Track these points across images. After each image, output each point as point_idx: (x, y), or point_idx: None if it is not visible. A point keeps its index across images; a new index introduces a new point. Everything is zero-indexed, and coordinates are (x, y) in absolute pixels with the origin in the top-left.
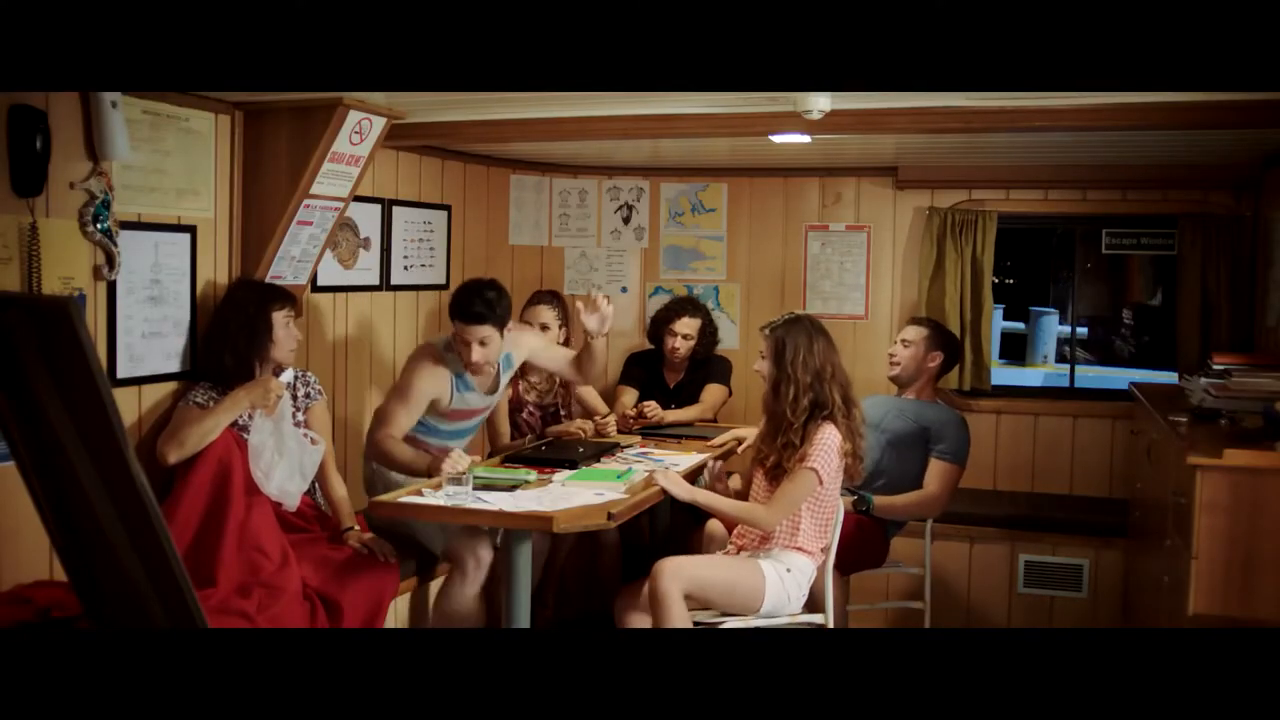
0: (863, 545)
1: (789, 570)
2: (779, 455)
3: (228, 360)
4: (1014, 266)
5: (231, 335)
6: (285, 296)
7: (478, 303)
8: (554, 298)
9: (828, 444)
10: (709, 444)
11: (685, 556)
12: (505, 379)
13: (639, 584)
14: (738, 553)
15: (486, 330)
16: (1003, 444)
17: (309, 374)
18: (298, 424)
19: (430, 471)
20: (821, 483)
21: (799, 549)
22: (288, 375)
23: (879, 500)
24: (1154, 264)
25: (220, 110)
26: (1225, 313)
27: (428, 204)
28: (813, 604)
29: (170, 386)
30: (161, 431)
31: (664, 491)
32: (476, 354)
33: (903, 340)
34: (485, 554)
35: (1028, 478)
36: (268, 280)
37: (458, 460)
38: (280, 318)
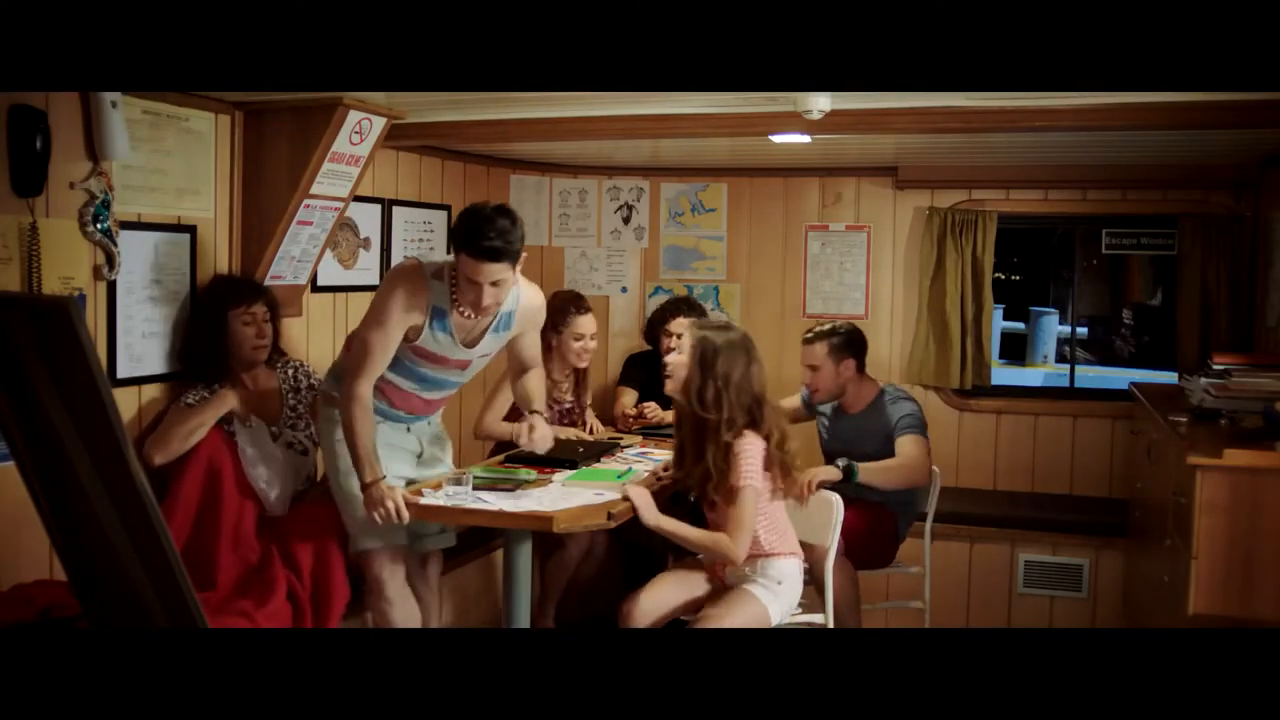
0: (873, 541)
1: (780, 583)
2: (701, 485)
3: (195, 361)
4: (1014, 266)
5: (194, 336)
6: (247, 295)
7: (493, 234)
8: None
9: (752, 454)
10: None
11: (703, 628)
12: (495, 341)
13: (643, 590)
14: (723, 569)
15: (502, 269)
16: (1003, 444)
17: (308, 365)
18: (298, 416)
19: (362, 488)
20: (759, 493)
21: (774, 554)
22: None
23: (864, 467)
24: (1154, 264)
25: (220, 110)
26: (1225, 313)
27: (428, 204)
28: (812, 603)
29: (170, 387)
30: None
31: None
32: (489, 297)
33: (809, 366)
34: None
35: (1028, 478)
36: (267, 280)
37: (391, 498)
38: (236, 315)
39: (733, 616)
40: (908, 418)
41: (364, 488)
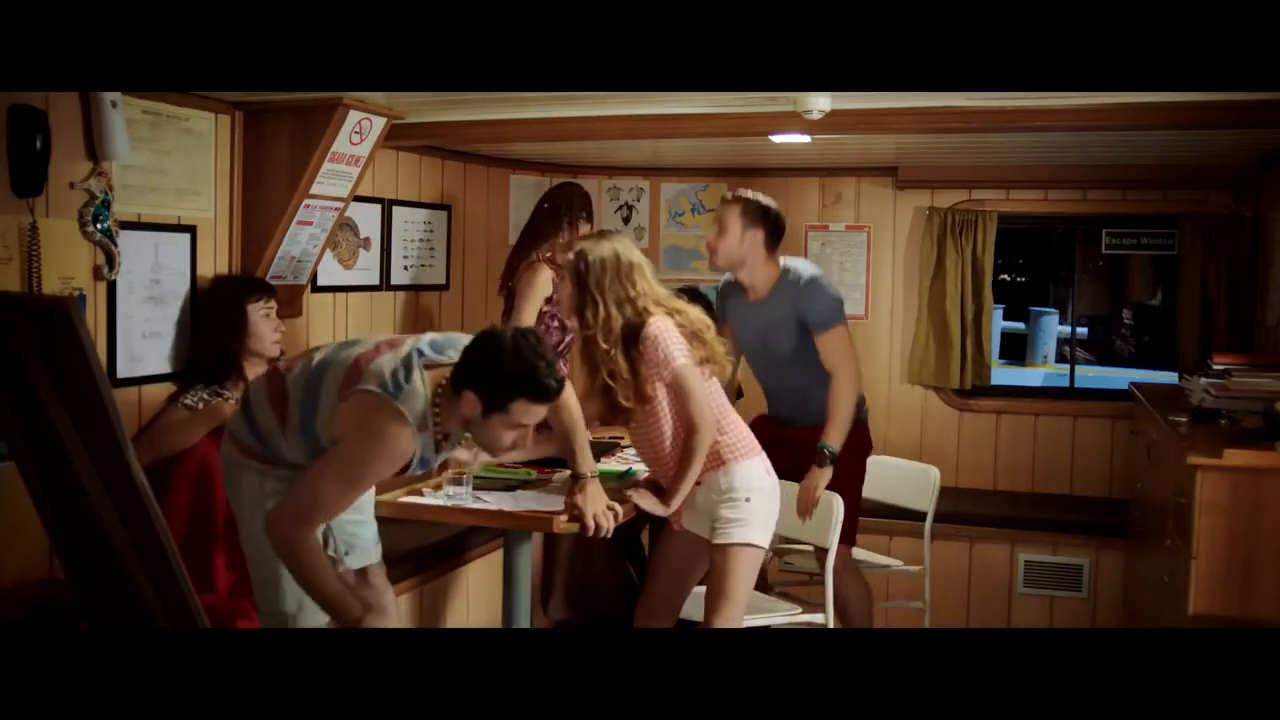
0: (857, 449)
1: (748, 499)
2: (610, 393)
3: (209, 358)
4: (1014, 266)
5: (209, 332)
6: (261, 288)
7: (554, 368)
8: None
9: (668, 333)
10: None
11: (721, 615)
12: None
13: (645, 592)
14: (680, 518)
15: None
16: (1003, 444)
17: None
18: None
19: (351, 622)
20: (695, 369)
21: (728, 461)
22: None
23: (830, 432)
24: (1154, 264)
25: (220, 110)
26: (1225, 313)
27: (428, 204)
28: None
29: (170, 387)
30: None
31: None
32: (530, 435)
33: (716, 222)
34: None
35: (1028, 478)
36: (267, 280)
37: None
38: (256, 309)
39: (745, 579)
40: (829, 308)
41: (354, 622)
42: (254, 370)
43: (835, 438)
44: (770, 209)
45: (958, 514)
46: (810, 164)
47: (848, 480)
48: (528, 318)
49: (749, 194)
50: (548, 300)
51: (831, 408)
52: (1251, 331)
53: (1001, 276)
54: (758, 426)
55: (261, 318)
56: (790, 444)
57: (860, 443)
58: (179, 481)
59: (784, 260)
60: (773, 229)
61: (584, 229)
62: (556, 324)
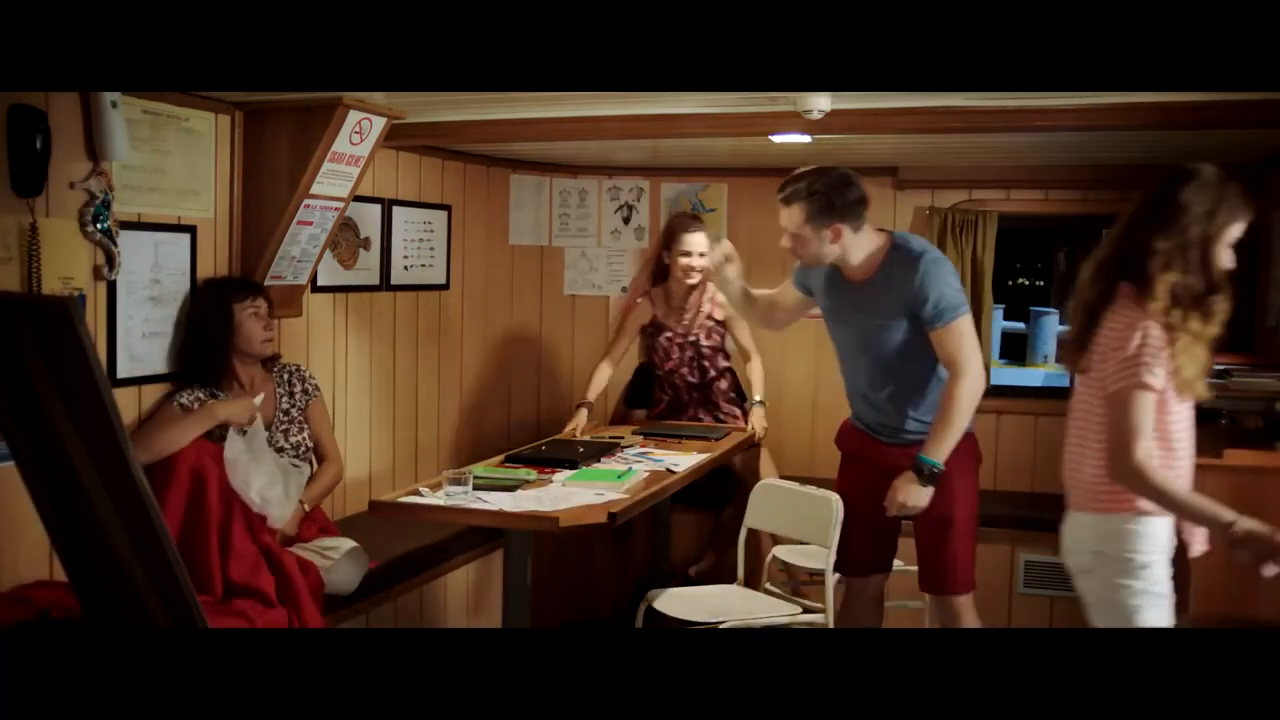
0: (968, 481)
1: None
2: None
3: (199, 360)
4: (1014, 267)
5: (198, 334)
6: (248, 288)
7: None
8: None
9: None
10: (711, 443)
11: None
12: None
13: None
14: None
15: None
16: (1003, 444)
17: (304, 370)
18: (290, 421)
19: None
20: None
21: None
22: (257, 399)
23: (931, 446)
24: None
25: (220, 110)
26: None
27: (428, 204)
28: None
29: (168, 387)
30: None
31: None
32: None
33: (786, 232)
34: None
35: (1028, 478)
36: (267, 281)
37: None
38: (243, 309)
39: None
40: (946, 296)
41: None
42: (245, 370)
43: (940, 450)
44: (836, 194)
45: None
46: (810, 164)
47: (964, 508)
48: (624, 339)
49: (801, 185)
50: (652, 324)
51: (942, 412)
52: (1251, 331)
53: (1020, 280)
54: (847, 434)
55: (249, 316)
56: (881, 468)
57: (973, 459)
58: (173, 484)
59: (895, 235)
60: (852, 208)
61: (689, 238)
62: (676, 342)
